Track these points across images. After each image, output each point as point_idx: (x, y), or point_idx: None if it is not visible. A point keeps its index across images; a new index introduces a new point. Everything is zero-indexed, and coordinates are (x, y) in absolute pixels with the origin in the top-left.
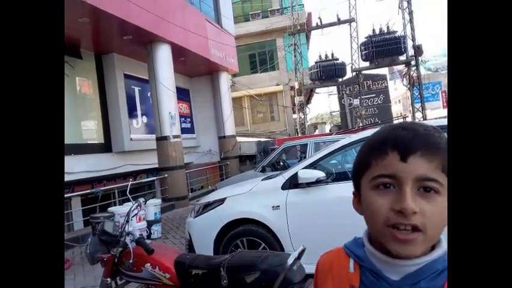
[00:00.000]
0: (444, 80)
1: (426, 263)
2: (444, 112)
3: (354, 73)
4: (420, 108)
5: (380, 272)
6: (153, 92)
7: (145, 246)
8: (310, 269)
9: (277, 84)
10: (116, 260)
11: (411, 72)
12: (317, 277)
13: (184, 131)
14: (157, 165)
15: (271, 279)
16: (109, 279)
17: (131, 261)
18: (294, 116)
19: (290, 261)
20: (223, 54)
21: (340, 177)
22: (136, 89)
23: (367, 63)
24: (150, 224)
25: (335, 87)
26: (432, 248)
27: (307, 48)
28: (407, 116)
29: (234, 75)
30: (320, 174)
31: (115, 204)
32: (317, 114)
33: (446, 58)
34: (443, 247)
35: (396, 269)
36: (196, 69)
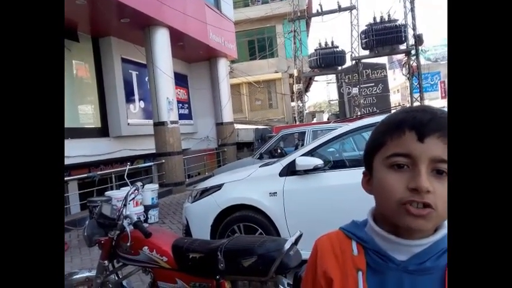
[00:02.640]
0: (444, 70)
1: (431, 243)
2: (443, 103)
3: (353, 61)
4: (418, 98)
5: (387, 253)
6: (151, 76)
7: (143, 229)
8: (306, 254)
9: (276, 72)
10: (113, 243)
11: (411, 62)
12: (316, 258)
13: (181, 116)
14: (154, 151)
15: (268, 264)
16: (106, 261)
17: (128, 244)
18: (293, 104)
19: (287, 246)
20: (222, 40)
21: (337, 165)
22: (134, 74)
23: (367, 52)
24: (147, 208)
25: (334, 75)
26: (435, 229)
27: (307, 36)
28: (405, 106)
29: (233, 62)
30: (317, 161)
31: (111, 189)
32: (315, 102)
33: (446, 48)
34: (446, 227)
35: (403, 249)
36: (194, 55)
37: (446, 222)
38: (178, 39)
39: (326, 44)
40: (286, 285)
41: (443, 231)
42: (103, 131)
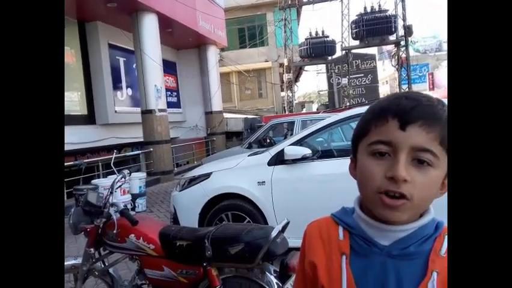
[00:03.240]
0: (432, 62)
1: (415, 229)
2: (431, 94)
3: (343, 52)
4: (407, 90)
5: (371, 237)
6: (138, 63)
7: (130, 217)
8: (293, 242)
9: (266, 61)
10: (99, 230)
11: (400, 53)
12: (305, 244)
13: (170, 105)
14: (142, 139)
15: (255, 251)
16: (92, 249)
17: (115, 231)
18: (282, 93)
19: (274, 234)
20: (211, 27)
21: (325, 154)
22: (121, 60)
23: (357, 42)
24: (135, 197)
25: (324, 66)
26: (421, 214)
27: (298, 24)
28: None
29: (222, 50)
30: (305, 151)
31: (98, 177)
32: (305, 92)
33: (435, 40)
34: (431, 213)
35: (386, 234)
36: (183, 42)
37: (432, 209)
38: (166, 25)
39: (317, 33)
40: (272, 272)
41: (428, 217)
42: (89, 119)
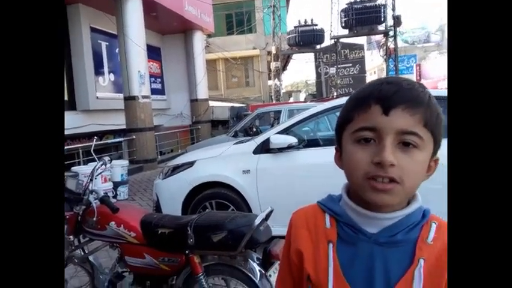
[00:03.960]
0: (420, 53)
1: (402, 216)
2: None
3: (332, 40)
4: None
5: (358, 225)
6: (121, 48)
7: (110, 204)
8: (277, 231)
9: (254, 48)
10: (79, 218)
11: (388, 43)
12: (291, 232)
13: (154, 91)
14: (124, 126)
15: (238, 239)
16: (71, 237)
17: (94, 219)
18: (270, 82)
19: (257, 221)
20: (198, 12)
21: (311, 143)
22: (103, 44)
23: (346, 31)
24: (116, 185)
25: (312, 55)
26: (408, 202)
27: (287, 12)
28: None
29: (209, 36)
30: (291, 140)
31: (78, 164)
32: (293, 82)
33: (423, 31)
34: (419, 201)
35: (374, 222)
36: (168, 26)
37: (419, 196)
38: (151, 8)
39: (306, 21)
40: (255, 260)
41: (415, 205)
42: (69, 104)
